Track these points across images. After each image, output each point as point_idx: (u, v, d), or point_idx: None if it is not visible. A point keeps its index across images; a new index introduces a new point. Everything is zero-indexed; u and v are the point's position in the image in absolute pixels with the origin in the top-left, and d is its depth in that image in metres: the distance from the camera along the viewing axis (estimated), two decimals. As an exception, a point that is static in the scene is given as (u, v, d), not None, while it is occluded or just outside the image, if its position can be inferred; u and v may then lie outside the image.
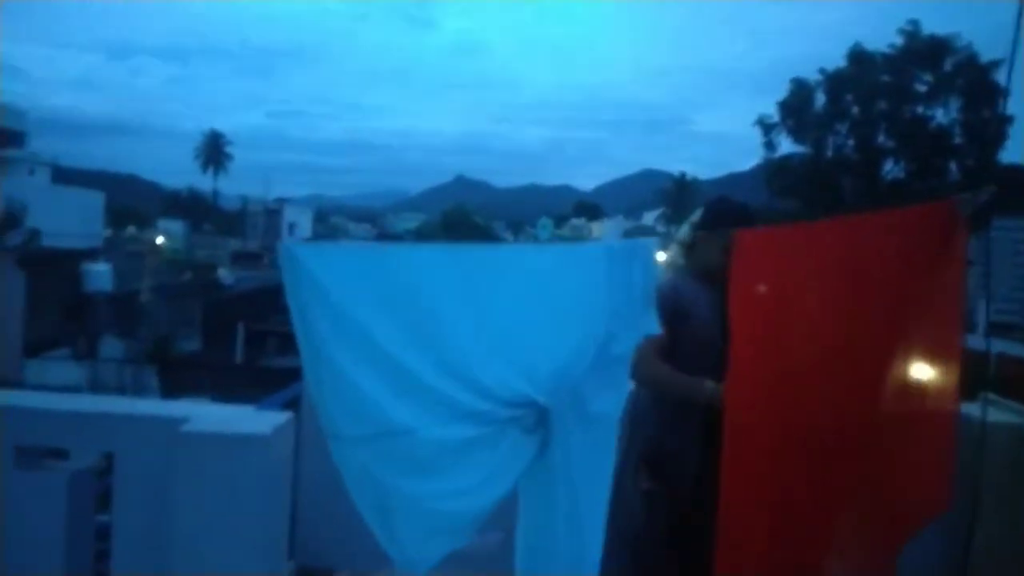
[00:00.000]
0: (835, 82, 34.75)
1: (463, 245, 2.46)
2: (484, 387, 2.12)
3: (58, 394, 3.17)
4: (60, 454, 3.05)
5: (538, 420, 2.20)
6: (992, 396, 3.00)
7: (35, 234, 22.23)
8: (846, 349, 2.38)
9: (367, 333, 2.02)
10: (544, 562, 2.33)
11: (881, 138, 34.81)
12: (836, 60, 35.14)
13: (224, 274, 40.30)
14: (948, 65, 33.68)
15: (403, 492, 2.11)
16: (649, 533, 2.76)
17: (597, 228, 79.26)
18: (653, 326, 2.36)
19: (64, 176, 40.57)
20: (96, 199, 34.33)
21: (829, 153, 35.06)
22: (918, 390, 2.43)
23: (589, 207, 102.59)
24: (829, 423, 2.37)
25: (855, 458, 2.39)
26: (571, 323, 2.22)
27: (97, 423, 2.92)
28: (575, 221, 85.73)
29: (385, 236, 73.27)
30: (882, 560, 2.48)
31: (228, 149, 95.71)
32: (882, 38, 35.08)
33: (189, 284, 33.33)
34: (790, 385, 2.35)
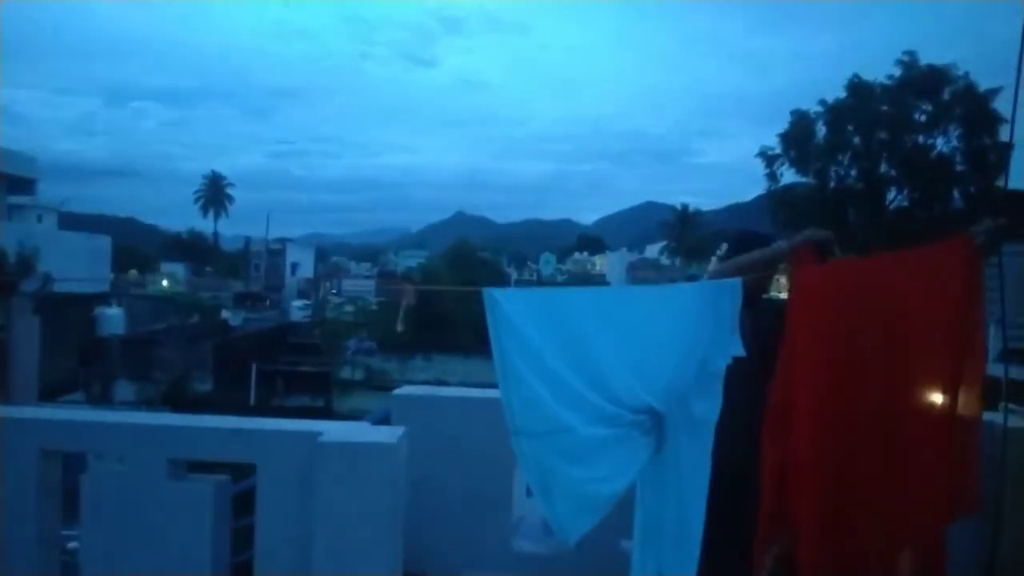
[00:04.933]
0: (835, 113, 35.16)
1: (602, 288, 2.74)
2: (617, 396, 2.69)
3: (197, 414, 3.55)
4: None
5: (654, 424, 2.77)
6: (1012, 406, 3.42)
7: (48, 279, 22.33)
8: (888, 365, 2.73)
9: (541, 355, 2.61)
10: (656, 538, 2.87)
11: (883, 167, 35.12)
12: (835, 89, 35.59)
13: (230, 315, 40.52)
14: (946, 94, 34.09)
15: (564, 477, 2.68)
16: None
17: (600, 261, 79.63)
18: (739, 349, 2.77)
19: (66, 221, 40.85)
20: (103, 243, 34.53)
21: (832, 183, 35.34)
22: (949, 403, 2.69)
23: (591, 240, 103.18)
24: (875, 430, 2.73)
25: (897, 456, 2.72)
26: (678, 346, 2.74)
27: (243, 438, 3.26)
28: (578, 255, 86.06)
29: (386, 275, 73.66)
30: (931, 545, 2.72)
31: (228, 190, 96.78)
32: (880, 67, 35.49)
33: (198, 327, 33.41)
34: (843, 397, 2.72)
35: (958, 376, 2.66)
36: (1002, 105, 33.80)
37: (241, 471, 3.60)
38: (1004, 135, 33.59)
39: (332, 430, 3.15)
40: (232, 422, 3.39)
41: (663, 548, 2.85)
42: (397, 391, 4.02)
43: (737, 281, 2.79)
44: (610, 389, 2.68)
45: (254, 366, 26.57)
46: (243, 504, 3.55)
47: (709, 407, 2.72)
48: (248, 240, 77.18)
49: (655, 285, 3.31)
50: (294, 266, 75.35)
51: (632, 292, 3.22)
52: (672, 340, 2.72)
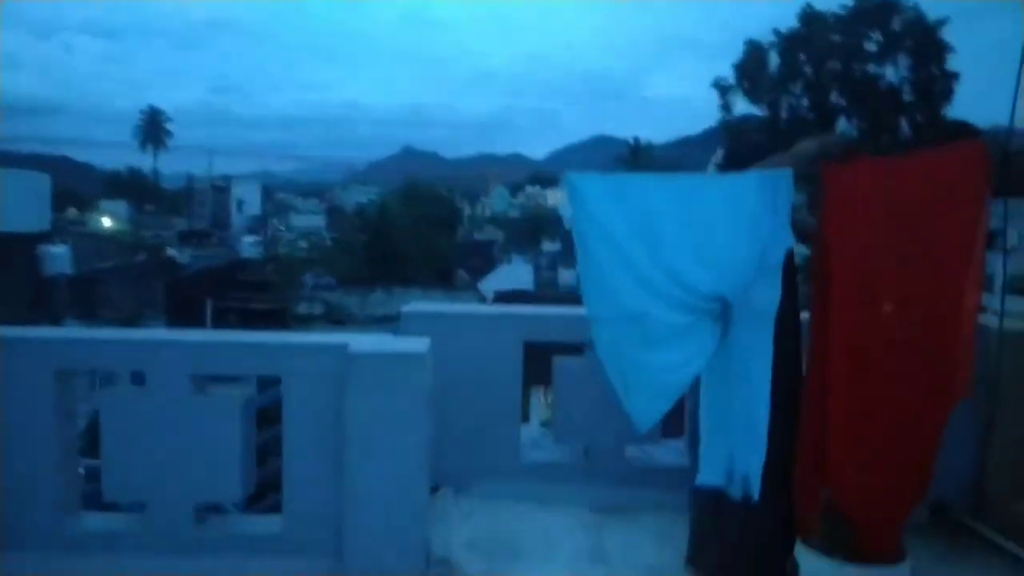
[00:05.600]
0: (788, 43, 35.22)
1: (674, 175, 2.75)
2: (688, 284, 2.74)
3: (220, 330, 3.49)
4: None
5: (721, 313, 2.80)
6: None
7: (-12, 218, 21.39)
8: (917, 267, 2.77)
9: (618, 241, 2.69)
10: (724, 428, 2.90)
11: (834, 97, 35.45)
12: (788, 21, 35.57)
13: (176, 253, 39.59)
14: (896, 24, 34.37)
15: (639, 362, 2.77)
16: None
17: (552, 196, 79.45)
18: (791, 241, 2.79)
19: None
20: (43, 182, 33.01)
21: (784, 113, 35.60)
22: (960, 302, 2.80)
23: (543, 175, 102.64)
24: (905, 326, 2.76)
25: (920, 347, 2.77)
26: (741, 235, 2.75)
27: (267, 351, 3.26)
28: (530, 189, 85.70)
29: (335, 211, 72.48)
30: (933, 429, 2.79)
31: (167, 126, 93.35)
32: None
33: (145, 265, 32.61)
34: (879, 299, 2.74)
35: (969, 276, 2.75)
36: (949, 35, 34.38)
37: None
38: (951, 65, 34.27)
39: (358, 342, 3.13)
40: (253, 336, 3.35)
41: (732, 437, 2.87)
42: (405, 308, 3.99)
43: (789, 171, 2.77)
44: (681, 276, 2.73)
45: (208, 303, 26.13)
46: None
47: (769, 297, 2.73)
48: (191, 177, 74.99)
49: (715, 174, 3.20)
50: (240, 203, 73.56)
51: (697, 180, 3.12)
52: (735, 228, 2.74)
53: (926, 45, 33.89)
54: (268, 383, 4.48)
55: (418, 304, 4.22)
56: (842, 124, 35.54)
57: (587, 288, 2.75)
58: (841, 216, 2.67)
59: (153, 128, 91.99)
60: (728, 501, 2.93)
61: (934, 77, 34.47)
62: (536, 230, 54.52)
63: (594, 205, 2.68)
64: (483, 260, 39.01)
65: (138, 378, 3.28)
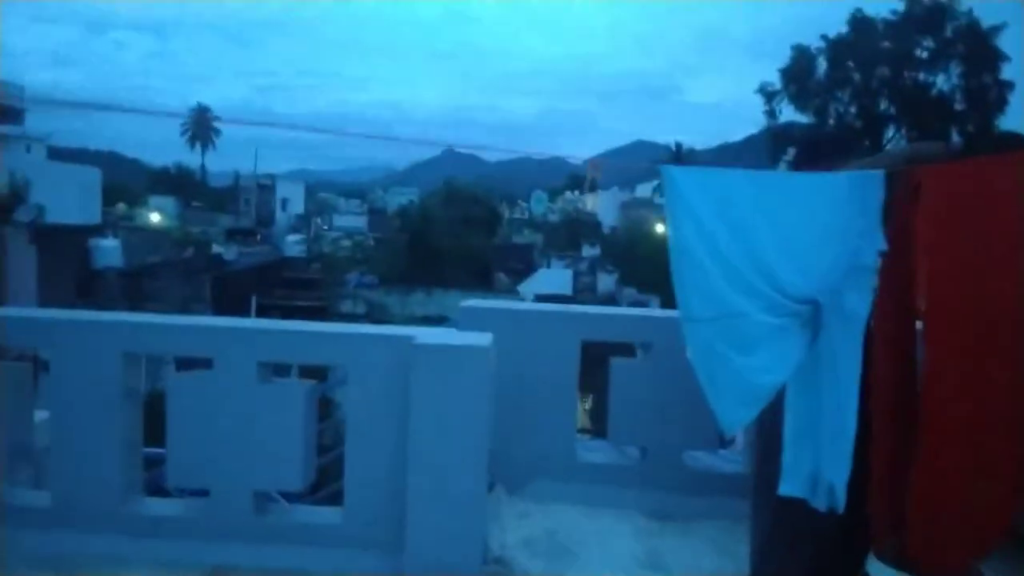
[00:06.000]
0: (837, 48, 34.71)
1: (765, 172, 2.71)
2: (781, 284, 2.68)
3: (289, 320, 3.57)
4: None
5: (812, 315, 2.72)
6: None
7: (41, 211, 21.97)
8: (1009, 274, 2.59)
9: (714, 238, 2.63)
10: (811, 437, 2.79)
11: (883, 104, 34.84)
12: (836, 25, 35.04)
13: (223, 250, 40.22)
14: (949, 31, 33.65)
15: (730, 365, 2.69)
16: None
17: (591, 200, 79.11)
18: (882, 243, 2.65)
19: (51, 154, 40.02)
20: (94, 176, 33.81)
21: (831, 120, 35.05)
22: None
23: (582, 179, 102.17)
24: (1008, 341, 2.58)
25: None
26: (833, 236, 2.69)
27: (334, 341, 3.29)
28: (569, 194, 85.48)
29: (376, 212, 73.07)
30: None
31: (215, 124, 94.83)
32: (883, 3, 34.90)
33: (193, 260, 33.19)
34: (983, 314, 2.58)
35: None
36: (1004, 43, 33.55)
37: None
38: (1006, 74, 33.42)
39: (423, 335, 3.13)
40: (320, 326, 3.37)
41: (819, 447, 2.77)
42: (463, 303, 3.98)
43: (881, 172, 2.70)
44: (775, 276, 2.68)
45: (253, 299, 26.52)
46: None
47: (860, 301, 2.65)
48: (237, 175, 76.07)
49: (808, 172, 3.11)
50: (284, 201, 74.51)
51: (789, 177, 3.09)
52: (827, 229, 2.69)
53: (979, 52, 33.12)
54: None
55: (476, 300, 4.21)
56: (890, 132, 34.94)
57: (682, 286, 2.69)
58: (938, 220, 2.56)
59: (201, 125, 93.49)
60: (800, 512, 2.84)
61: (987, 86, 33.66)
62: (575, 234, 54.34)
63: (691, 198, 2.64)
64: (522, 263, 39.05)
65: (187, 364, 3.34)
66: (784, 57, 35.61)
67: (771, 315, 2.70)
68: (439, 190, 43.61)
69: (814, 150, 3.61)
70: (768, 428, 2.98)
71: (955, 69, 34.05)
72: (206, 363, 3.16)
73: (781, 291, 2.69)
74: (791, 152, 3.62)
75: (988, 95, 33.27)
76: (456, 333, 3.34)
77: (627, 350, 4.10)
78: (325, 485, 4.27)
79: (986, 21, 32.95)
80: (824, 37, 34.94)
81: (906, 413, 2.64)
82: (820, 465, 2.76)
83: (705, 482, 3.95)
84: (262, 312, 27.46)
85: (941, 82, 34.39)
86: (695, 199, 2.65)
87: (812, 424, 2.78)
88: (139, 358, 3.24)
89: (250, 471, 3.12)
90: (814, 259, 2.70)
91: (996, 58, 33.14)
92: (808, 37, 35.28)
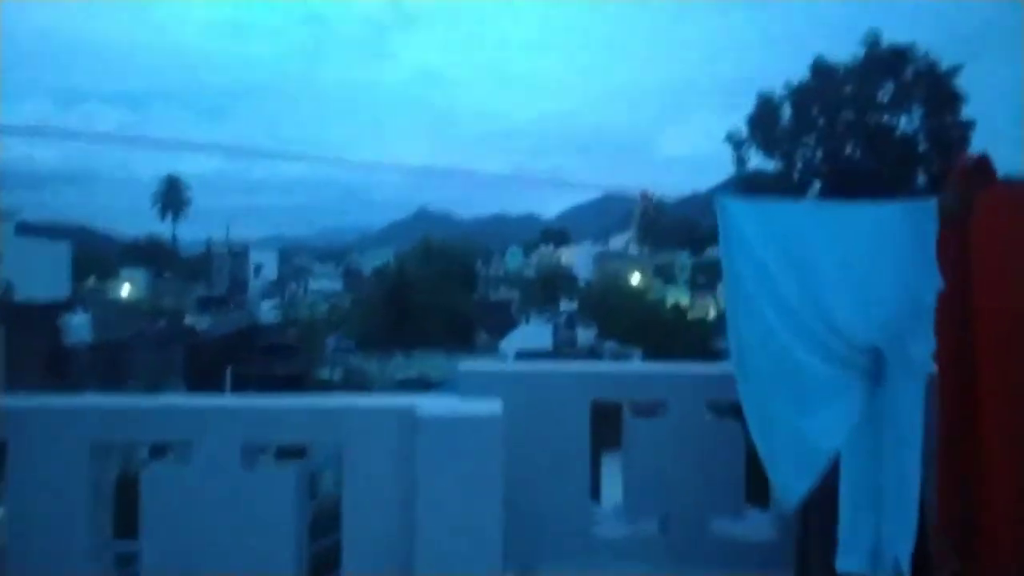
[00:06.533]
0: (800, 95, 35.38)
1: (829, 203, 2.46)
2: (843, 330, 2.47)
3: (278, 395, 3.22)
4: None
5: (872, 367, 2.49)
6: None
7: (10, 287, 21.49)
8: None
9: (771, 278, 2.43)
10: (870, 506, 2.53)
11: (849, 148, 35.43)
12: (800, 73, 35.82)
13: (196, 320, 39.59)
14: (909, 74, 34.49)
15: (789, 426, 2.48)
16: None
17: (566, 253, 79.48)
18: (940, 282, 2.46)
19: (20, 229, 39.54)
20: (63, 250, 33.55)
21: (799, 165, 35.56)
22: None
23: (556, 233, 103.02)
24: None
25: None
26: (892, 273, 2.48)
27: (327, 417, 2.96)
28: (543, 248, 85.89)
29: (352, 274, 72.83)
30: None
31: (186, 194, 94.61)
32: (843, 47, 35.84)
33: (165, 332, 32.54)
34: None
35: None
36: (963, 83, 34.44)
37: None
38: (965, 113, 34.23)
39: (424, 405, 2.84)
40: (311, 401, 3.06)
41: (880, 515, 2.51)
42: (462, 366, 3.68)
43: (934, 202, 2.52)
44: (836, 320, 2.47)
45: (228, 369, 25.88)
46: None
47: (925, 348, 2.43)
48: (209, 243, 75.71)
49: (863, 204, 2.84)
50: (257, 268, 74.13)
51: (853, 209, 2.82)
52: (886, 266, 2.49)
53: (939, 94, 33.92)
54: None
55: (474, 363, 3.92)
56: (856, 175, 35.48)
57: (737, 335, 2.50)
58: (992, 244, 2.38)
59: (172, 196, 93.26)
60: None
61: (948, 126, 34.41)
62: (551, 289, 54.33)
63: (749, 235, 2.45)
64: (501, 320, 38.74)
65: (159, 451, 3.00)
66: (751, 106, 36.25)
67: (832, 366, 2.48)
68: (416, 248, 43.55)
69: (839, 183, 3.41)
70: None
71: (917, 111, 34.81)
72: (184, 447, 2.84)
73: (842, 337, 2.48)
74: (815, 186, 3.41)
75: (950, 135, 33.97)
76: (459, 402, 3.04)
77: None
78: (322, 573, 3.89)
79: (944, 63, 33.84)
80: (787, 84, 35.64)
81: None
82: (882, 536, 2.51)
83: (735, 553, 3.63)
84: (238, 382, 26.82)
85: (904, 124, 35.12)
86: (753, 235, 2.45)
87: (872, 490, 2.52)
88: (109, 448, 2.90)
89: (236, 570, 2.76)
90: (874, 300, 2.49)
91: (955, 99, 33.96)
92: (774, 86, 35.85)
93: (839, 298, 2.47)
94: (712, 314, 48.19)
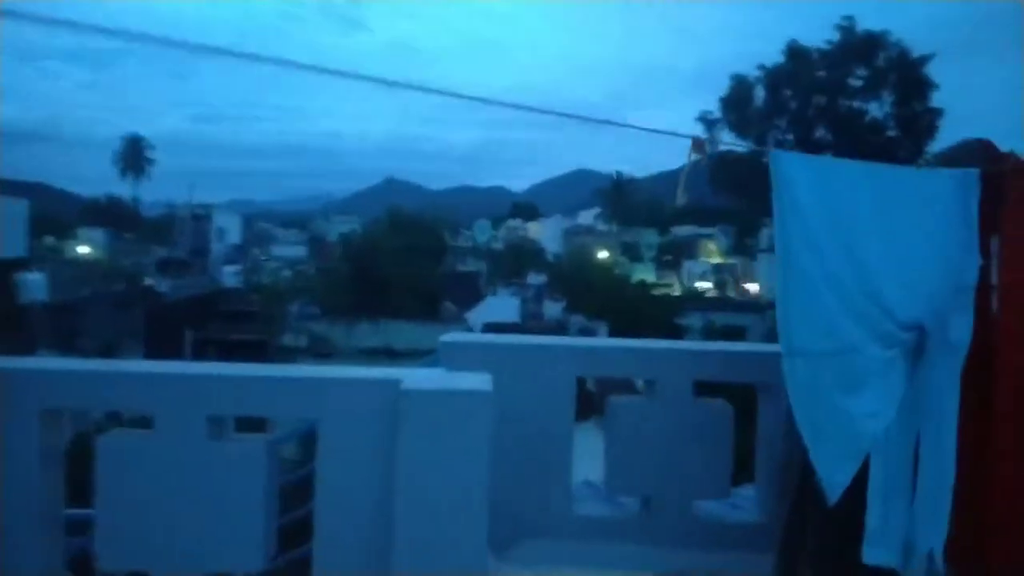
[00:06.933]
0: (774, 77, 35.51)
1: (884, 165, 2.32)
2: (890, 306, 2.32)
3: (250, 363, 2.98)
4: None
5: (916, 346, 2.35)
6: None
7: (-38, 243, 20.72)
8: None
9: (823, 250, 2.26)
10: (902, 498, 2.41)
11: (820, 132, 35.69)
12: (774, 56, 35.91)
13: (158, 283, 38.81)
14: (881, 60, 34.74)
15: (839, 409, 2.30)
16: None
17: (535, 228, 79.31)
18: (980, 258, 2.37)
19: (-28, 188, 38.24)
20: (21, 208, 32.39)
21: (771, 147, 35.74)
22: None
23: (525, 207, 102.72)
24: None
25: None
26: (933, 250, 2.34)
27: (302, 388, 2.74)
28: (512, 222, 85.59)
29: (317, 241, 71.92)
30: None
31: (148, 154, 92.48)
32: (817, 34, 35.99)
33: (125, 293, 31.80)
34: None
35: None
36: (933, 71, 34.80)
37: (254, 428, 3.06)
38: (935, 102, 34.63)
39: (410, 377, 2.65)
40: (287, 370, 2.86)
41: (915, 509, 2.38)
42: (444, 337, 3.50)
43: (975, 171, 2.37)
44: (883, 295, 2.32)
45: (188, 334, 25.41)
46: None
47: (964, 326, 2.30)
48: (171, 205, 74.21)
49: (908, 169, 2.64)
50: (220, 232, 72.81)
51: (905, 173, 2.64)
52: (931, 238, 2.35)
53: (910, 81, 34.25)
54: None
55: (457, 334, 3.74)
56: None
57: (787, 311, 2.30)
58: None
59: (134, 156, 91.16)
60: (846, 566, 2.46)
61: (918, 113, 34.80)
62: (519, 262, 54.18)
63: (801, 196, 2.27)
64: (468, 292, 38.51)
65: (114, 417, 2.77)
66: (724, 89, 36.27)
67: (880, 346, 2.33)
68: (383, 218, 42.92)
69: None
70: (795, 466, 2.60)
71: (887, 97, 35.13)
72: (145, 417, 2.63)
73: (889, 314, 2.33)
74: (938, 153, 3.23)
75: (919, 122, 34.36)
76: (447, 375, 2.86)
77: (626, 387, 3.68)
78: (283, 551, 3.71)
79: (916, 51, 34.15)
80: (762, 67, 35.72)
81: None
82: (916, 527, 2.38)
83: (717, 534, 3.53)
84: (199, 347, 26.34)
85: (874, 110, 35.44)
86: (805, 197, 2.27)
87: (906, 479, 2.39)
88: (61, 414, 2.67)
89: (199, 549, 2.57)
90: (919, 274, 2.35)
91: (925, 86, 34.32)
92: (749, 70, 35.88)
93: (887, 269, 2.33)
94: (677, 291, 48.49)
